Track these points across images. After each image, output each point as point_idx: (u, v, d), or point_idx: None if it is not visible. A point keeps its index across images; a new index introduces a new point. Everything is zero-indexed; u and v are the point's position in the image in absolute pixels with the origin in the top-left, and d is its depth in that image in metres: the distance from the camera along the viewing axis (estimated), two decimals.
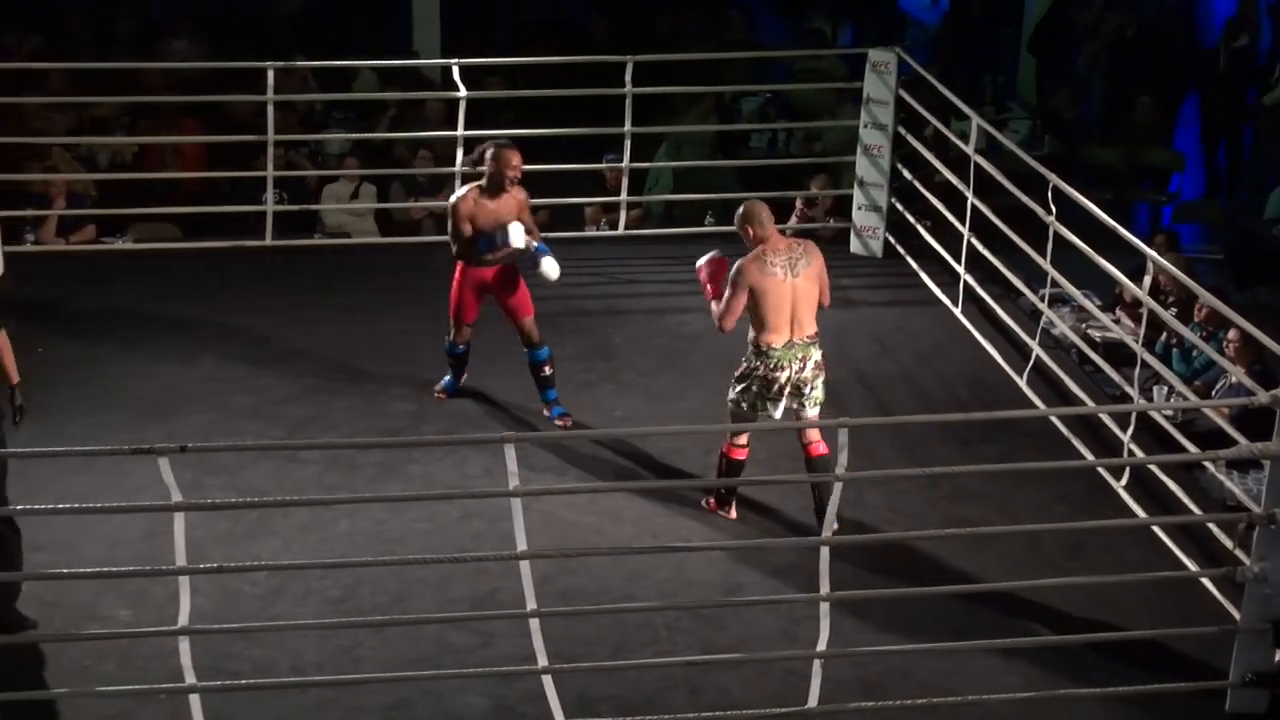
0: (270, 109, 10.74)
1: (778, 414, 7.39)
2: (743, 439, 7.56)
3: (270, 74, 10.70)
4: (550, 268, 8.34)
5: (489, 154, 8.27)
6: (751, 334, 7.36)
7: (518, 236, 8.21)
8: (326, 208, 11.40)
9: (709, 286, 7.50)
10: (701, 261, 7.56)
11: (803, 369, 7.33)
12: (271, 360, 9.28)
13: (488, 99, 11.52)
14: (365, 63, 12.40)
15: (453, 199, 8.38)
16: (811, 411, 7.43)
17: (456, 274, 8.52)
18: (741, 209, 7.47)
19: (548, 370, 8.56)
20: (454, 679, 6.41)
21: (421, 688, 6.38)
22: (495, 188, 8.27)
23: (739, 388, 7.43)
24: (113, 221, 11.15)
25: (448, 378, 8.91)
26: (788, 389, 7.34)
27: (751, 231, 7.38)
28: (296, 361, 9.28)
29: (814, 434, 7.47)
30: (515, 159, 8.28)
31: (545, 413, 8.60)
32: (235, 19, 14.75)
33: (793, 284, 7.28)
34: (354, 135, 12.23)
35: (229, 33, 14.09)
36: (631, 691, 6.42)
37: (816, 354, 7.39)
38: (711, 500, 7.77)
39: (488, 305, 8.59)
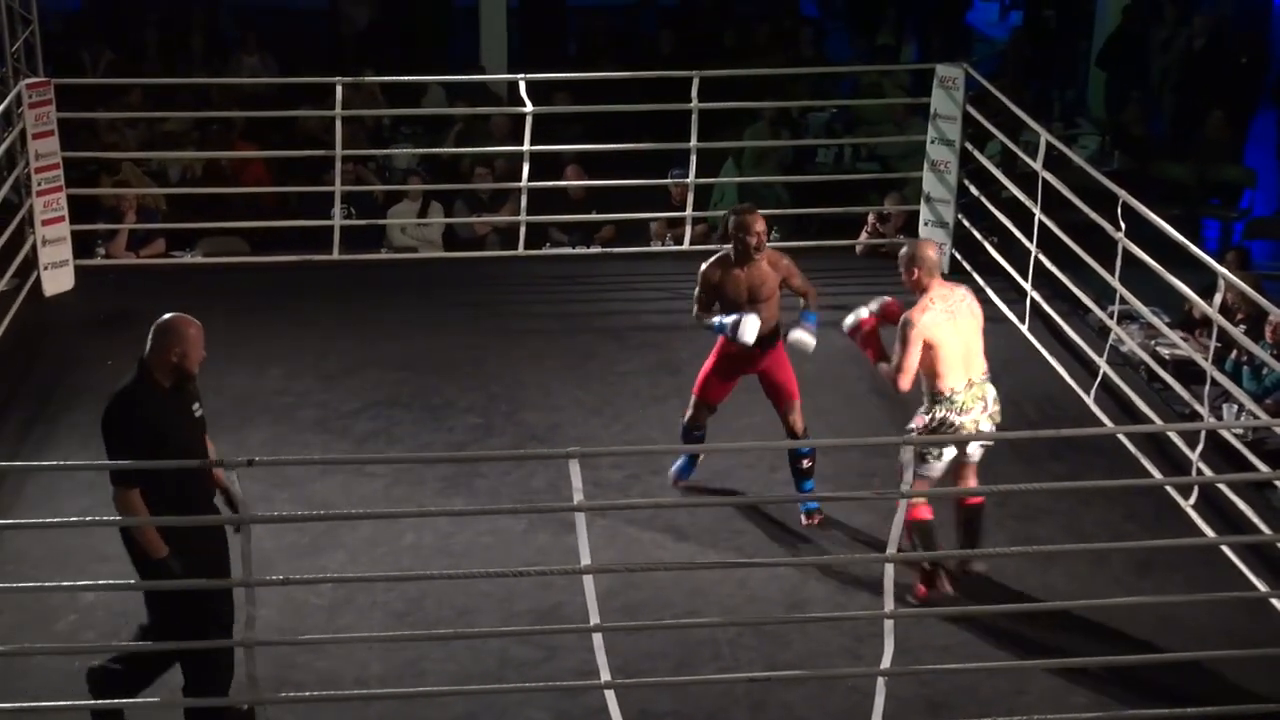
0: (339, 124, 10.83)
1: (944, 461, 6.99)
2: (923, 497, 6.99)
3: (339, 89, 10.79)
4: (804, 339, 7.65)
5: (730, 221, 7.58)
6: (927, 383, 6.96)
7: (750, 331, 7.46)
8: (393, 222, 11.46)
9: (867, 351, 7.13)
10: (849, 323, 7.18)
11: (985, 409, 6.99)
12: (338, 374, 9.34)
13: (554, 114, 11.56)
14: (433, 78, 12.48)
15: (702, 266, 7.71)
16: (977, 455, 7.10)
17: (717, 345, 7.81)
18: (908, 250, 7.01)
19: (806, 464, 7.70)
20: (517, 693, 6.42)
21: (485, 701, 6.40)
22: (742, 256, 7.56)
23: (933, 453, 6.95)
24: (182, 236, 11.26)
25: (680, 461, 8.12)
26: (973, 429, 6.96)
27: (917, 276, 6.96)
28: (363, 375, 9.34)
29: (972, 483, 7.11)
30: (757, 224, 7.51)
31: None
32: (305, 35, 14.92)
33: (958, 326, 6.94)
34: (421, 150, 12.31)
35: (299, 49, 14.24)
36: (694, 707, 6.42)
37: (992, 390, 7.05)
38: (920, 586, 7.11)
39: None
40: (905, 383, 6.92)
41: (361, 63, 12.57)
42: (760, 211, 7.57)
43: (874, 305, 7.21)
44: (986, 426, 6.99)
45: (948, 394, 6.92)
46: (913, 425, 7.05)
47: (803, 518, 7.75)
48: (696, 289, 7.69)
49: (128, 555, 5.98)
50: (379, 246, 11.47)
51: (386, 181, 11.95)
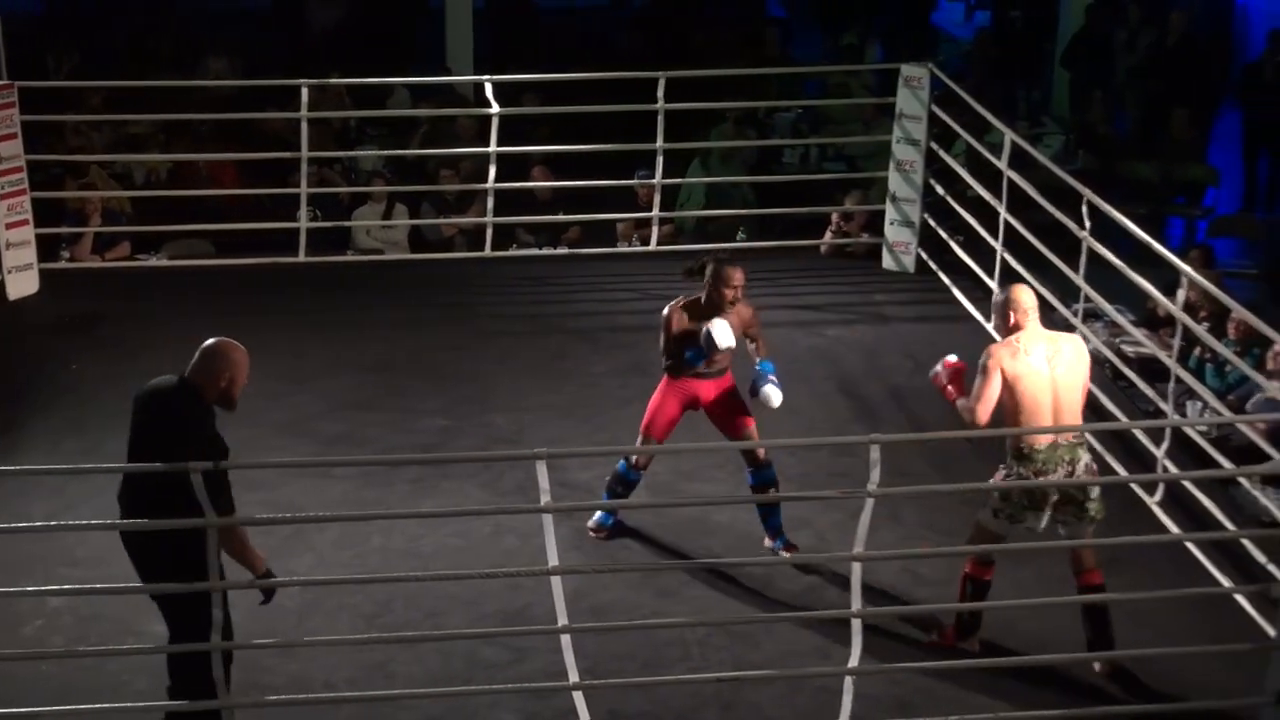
0: (304, 126, 10.80)
1: (1041, 526, 6.51)
2: (990, 556, 6.69)
3: (304, 91, 10.77)
4: (773, 394, 7.36)
5: (709, 269, 7.34)
6: (1010, 438, 6.53)
7: (724, 335, 7.23)
8: (359, 224, 11.44)
9: (949, 388, 6.70)
10: (938, 368, 6.78)
11: (1072, 473, 6.46)
12: (305, 376, 9.32)
13: (521, 115, 11.56)
14: (399, 80, 12.46)
15: (666, 310, 7.44)
16: (1086, 530, 6.58)
17: (660, 386, 7.59)
18: (1002, 294, 6.67)
19: (772, 492, 7.49)
20: (486, 695, 6.43)
21: (454, 703, 6.40)
22: (716, 306, 7.32)
23: (999, 498, 6.53)
24: (147, 239, 11.22)
25: (602, 514, 7.75)
26: (1055, 498, 6.47)
27: (1012, 319, 6.54)
28: (330, 377, 9.32)
29: (1089, 559, 6.62)
30: (736, 277, 7.28)
31: (766, 542, 7.60)
32: (270, 38, 14.87)
33: (1053, 376, 6.44)
34: (387, 152, 12.29)
35: (264, 51, 14.20)
36: (663, 708, 6.43)
37: (1086, 457, 6.52)
38: (949, 630, 6.85)
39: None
40: (982, 414, 6.44)
41: (328, 65, 12.53)
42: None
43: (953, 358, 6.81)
44: (1074, 493, 6.48)
45: (1026, 450, 6.46)
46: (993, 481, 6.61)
47: (782, 551, 7.50)
48: (661, 339, 7.43)
49: (156, 562, 5.83)
50: (345, 249, 11.44)
51: (352, 183, 11.93)
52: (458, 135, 12.23)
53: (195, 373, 5.88)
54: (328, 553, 7.46)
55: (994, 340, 8.44)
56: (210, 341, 5.95)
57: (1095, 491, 6.53)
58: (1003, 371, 6.41)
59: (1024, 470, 6.47)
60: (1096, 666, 6.66)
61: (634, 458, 7.61)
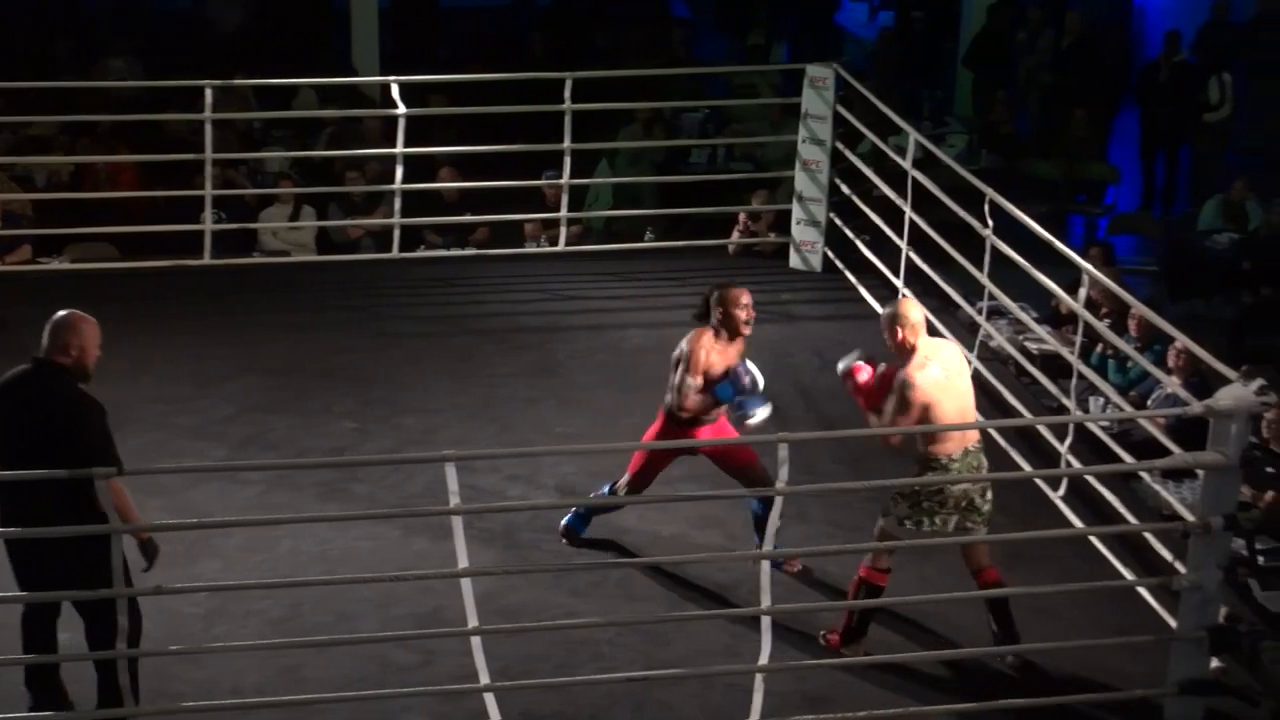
0: (208, 128, 10.70)
1: (949, 529, 6.54)
2: (886, 562, 6.67)
3: (208, 93, 10.67)
4: (760, 412, 7.13)
5: (713, 297, 7.10)
6: (921, 447, 6.54)
7: (754, 371, 7.07)
8: (265, 226, 11.37)
9: (859, 397, 6.70)
10: (842, 367, 6.75)
11: (980, 485, 6.55)
12: (213, 380, 9.25)
13: (428, 116, 11.53)
14: (304, 80, 12.38)
15: (686, 345, 7.11)
16: (981, 531, 6.62)
17: (656, 427, 7.28)
18: (890, 310, 6.61)
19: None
20: (397, 698, 6.40)
21: (364, 707, 6.37)
22: (733, 332, 7.11)
23: (906, 506, 6.54)
24: (49, 242, 11.08)
25: (574, 517, 7.61)
26: (963, 503, 6.54)
27: (902, 336, 6.52)
28: (238, 381, 9.26)
29: (984, 557, 6.70)
30: (744, 296, 7.10)
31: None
32: (173, 39, 14.72)
33: (955, 385, 6.53)
34: (293, 153, 12.21)
35: (167, 52, 14.06)
36: (575, 708, 6.44)
37: (985, 460, 6.64)
38: (835, 635, 6.80)
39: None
40: (896, 440, 6.57)
41: (232, 66, 12.43)
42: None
43: (860, 356, 6.76)
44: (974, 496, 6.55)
45: (942, 460, 6.52)
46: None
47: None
48: (679, 375, 7.08)
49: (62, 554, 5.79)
50: (251, 251, 11.36)
51: (258, 185, 11.85)
52: (364, 136, 12.19)
53: (48, 350, 5.98)
54: (236, 558, 7.40)
55: None
56: (57, 315, 6.04)
57: (989, 495, 6.61)
58: (925, 403, 6.44)
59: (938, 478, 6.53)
60: (1008, 660, 6.73)
61: (621, 491, 7.36)
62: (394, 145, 10.92)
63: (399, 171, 10.90)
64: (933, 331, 9.73)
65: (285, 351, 9.67)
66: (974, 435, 6.59)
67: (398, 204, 11.00)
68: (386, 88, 11.19)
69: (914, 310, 6.64)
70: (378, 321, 10.22)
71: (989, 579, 6.69)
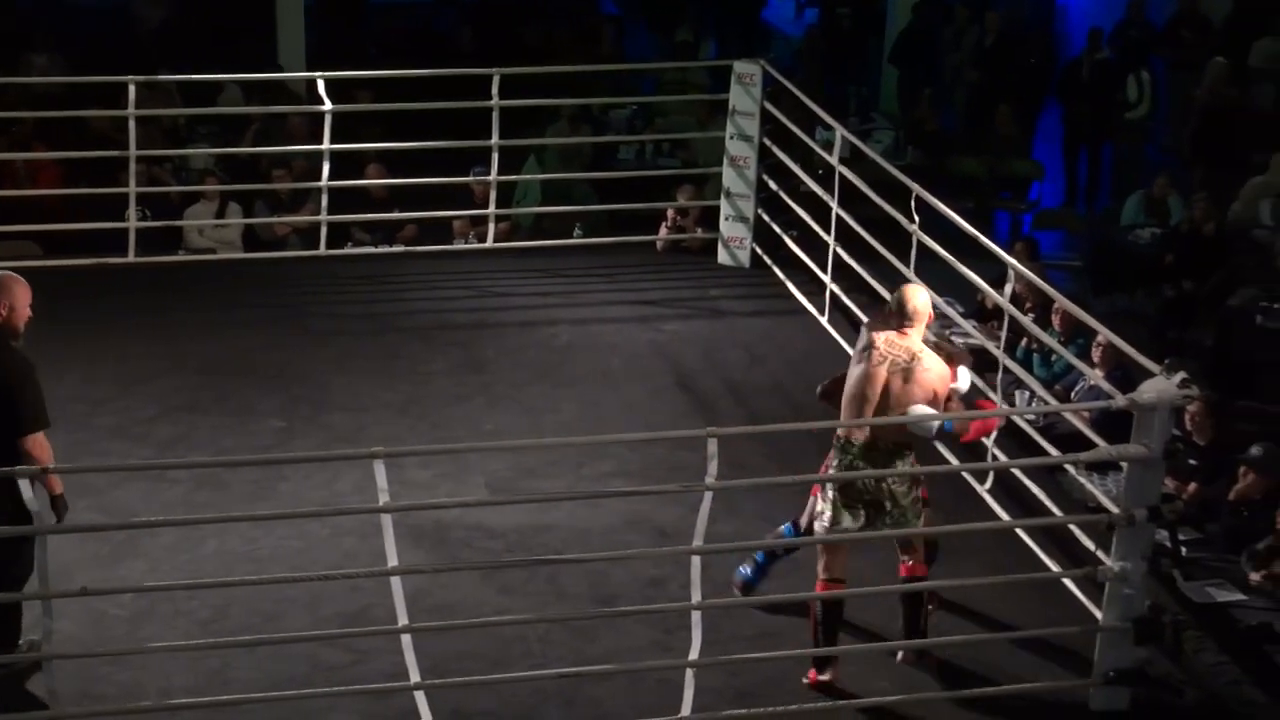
0: (132, 124, 10.59)
1: (857, 526, 6.51)
2: (836, 569, 6.58)
3: (132, 89, 10.57)
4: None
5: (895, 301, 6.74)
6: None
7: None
8: (190, 223, 11.28)
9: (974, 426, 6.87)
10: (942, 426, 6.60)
11: (879, 482, 6.46)
12: (138, 379, 9.17)
13: (354, 112, 11.48)
14: (229, 76, 12.28)
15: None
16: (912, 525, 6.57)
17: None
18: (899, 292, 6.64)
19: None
20: (326, 697, 6.37)
21: (293, 707, 6.33)
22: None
23: (827, 497, 6.56)
24: None
25: (751, 569, 7.21)
26: (865, 498, 6.51)
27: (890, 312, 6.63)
28: (162, 380, 9.18)
29: (909, 552, 6.66)
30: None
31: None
32: (96, 34, 14.57)
33: (892, 382, 6.47)
34: (219, 150, 12.12)
35: (90, 48, 13.91)
36: (506, 706, 6.43)
37: (903, 466, 6.50)
38: (811, 672, 6.59)
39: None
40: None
41: (156, 61, 12.33)
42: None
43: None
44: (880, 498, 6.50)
45: (842, 440, 6.53)
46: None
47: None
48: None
49: None
50: (176, 248, 11.27)
51: (183, 182, 11.75)
52: (290, 133, 12.11)
53: None
54: (162, 558, 7.34)
55: (826, 334, 8.39)
56: None
57: (907, 503, 6.53)
58: (860, 371, 6.51)
59: (838, 459, 6.55)
60: (899, 656, 6.77)
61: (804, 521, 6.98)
62: (320, 142, 10.85)
63: (325, 168, 10.84)
64: (855, 323, 9.91)
65: (210, 350, 9.59)
66: (890, 436, 6.48)
67: (324, 201, 10.94)
68: (313, 84, 11.12)
69: (912, 297, 6.60)
70: (305, 319, 10.17)
71: (906, 572, 6.71)
